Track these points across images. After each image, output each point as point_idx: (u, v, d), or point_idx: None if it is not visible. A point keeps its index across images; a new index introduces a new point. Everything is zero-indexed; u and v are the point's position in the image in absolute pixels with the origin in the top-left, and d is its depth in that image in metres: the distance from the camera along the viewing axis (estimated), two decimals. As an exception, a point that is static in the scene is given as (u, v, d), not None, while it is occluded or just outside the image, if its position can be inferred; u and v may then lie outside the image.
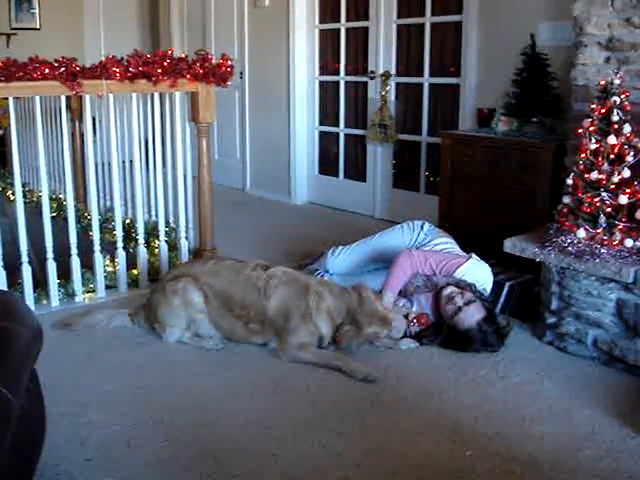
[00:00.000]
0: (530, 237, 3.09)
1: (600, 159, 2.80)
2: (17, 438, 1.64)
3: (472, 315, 3.02)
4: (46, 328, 1.98)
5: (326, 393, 2.65)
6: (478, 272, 3.25)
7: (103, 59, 3.41)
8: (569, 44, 3.48)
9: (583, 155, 2.85)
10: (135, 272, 3.77)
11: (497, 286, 3.36)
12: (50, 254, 3.45)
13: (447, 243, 3.50)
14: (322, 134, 6.05)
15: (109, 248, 3.78)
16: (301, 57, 5.92)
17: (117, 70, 3.37)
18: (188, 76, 3.57)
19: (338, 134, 5.87)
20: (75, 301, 3.55)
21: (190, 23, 7.16)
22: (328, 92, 5.93)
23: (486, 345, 3.00)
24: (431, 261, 3.24)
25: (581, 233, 2.83)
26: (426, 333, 3.11)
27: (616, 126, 2.77)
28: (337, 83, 5.79)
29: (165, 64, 3.48)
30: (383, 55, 5.28)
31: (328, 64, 5.88)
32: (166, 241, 3.88)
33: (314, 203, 6.09)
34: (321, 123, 6.02)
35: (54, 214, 4.55)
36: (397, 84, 5.27)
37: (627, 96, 2.81)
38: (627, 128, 2.78)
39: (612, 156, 2.78)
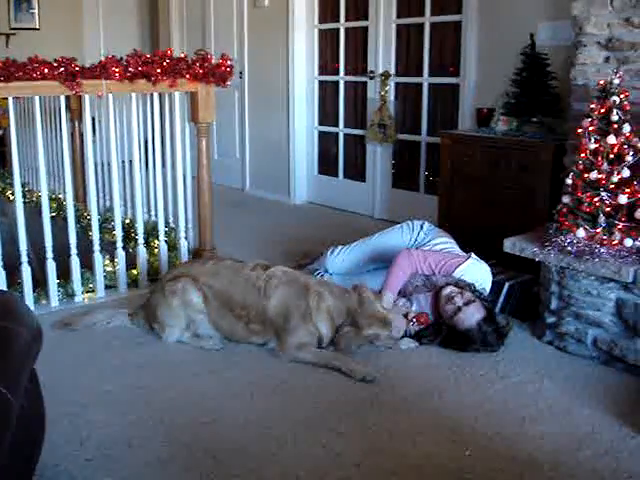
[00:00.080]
0: (530, 237, 3.09)
1: (600, 159, 2.80)
2: (17, 438, 1.64)
3: (472, 315, 3.02)
4: (46, 328, 1.98)
5: (326, 393, 2.65)
6: (477, 272, 3.25)
7: (102, 59, 3.41)
8: (569, 44, 3.48)
9: (583, 155, 2.85)
10: (135, 272, 3.77)
11: (497, 286, 3.36)
12: (50, 254, 3.45)
13: (447, 243, 3.50)
14: (321, 134, 6.05)
15: (109, 248, 3.78)
16: (300, 57, 5.92)
17: (116, 70, 3.37)
18: (188, 76, 3.57)
19: (337, 134, 5.87)
20: (75, 301, 3.55)
21: (190, 23, 7.16)
22: (327, 92, 5.94)
23: (486, 345, 3.00)
24: (430, 260, 3.24)
25: (581, 233, 2.83)
26: (426, 333, 3.11)
27: (615, 126, 2.77)
28: (336, 83, 5.80)
29: (164, 64, 3.48)
30: (382, 55, 5.28)
31: (327, 64, 5.89)
32: (166, 241, 3.88)
33: (313, 203, 6.09)
34: (320, 123, 6.02)
35: (54, 214, 4.54)
36: (396, 84, 5.27)
37: (626, 96, 2.81)
38: (626, 128, 2.78)
39: (611, 156, 2.78)
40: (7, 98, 3.32)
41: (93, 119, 4.44)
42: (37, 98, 3.41)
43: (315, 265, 3.84)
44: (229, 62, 3.66)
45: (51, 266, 3.45)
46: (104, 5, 8.14)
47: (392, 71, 5.24)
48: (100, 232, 3.73)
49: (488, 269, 3.31)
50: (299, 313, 2.93)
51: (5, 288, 3.35)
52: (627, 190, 2.76)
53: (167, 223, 4.08)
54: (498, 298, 3.36)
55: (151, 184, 4.11)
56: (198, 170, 3.86)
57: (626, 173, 2.76)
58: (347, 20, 5.59)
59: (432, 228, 3.64)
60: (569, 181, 2.90)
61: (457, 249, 3.48)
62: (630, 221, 2.79)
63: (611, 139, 2.77)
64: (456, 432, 2.38)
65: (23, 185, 4.54)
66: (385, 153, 5.44)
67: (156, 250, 3.88)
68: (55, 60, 3.26)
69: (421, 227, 3.62)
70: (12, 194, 4.29)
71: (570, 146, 3.27)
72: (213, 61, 3.65)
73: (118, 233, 3.72)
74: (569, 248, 2.85)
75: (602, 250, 2.79)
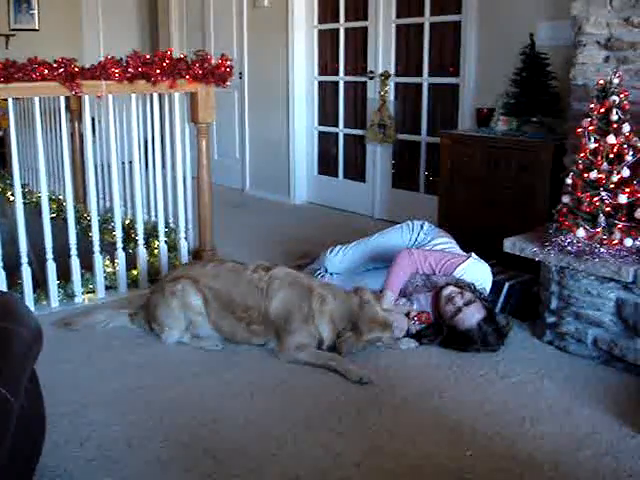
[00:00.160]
0: (529, 237, 3.09)
1: (599, 158, 2.80)
2: (17, 438, 1.64)
3: (472, 315, 3.02)
4: (46, 328, 1.98)
5: (326, 393, 2.65)
6: (478, 271, 3.25)
7: (102, 60, 3.41)
8: (568, 43, 3.48)
9: (582, 154, 2.85)
10: (135, 273, 3.77)
11: (497, 286, 3.36)
12: (50, 255, 3.45)
13: (447, 243, 3.50)
14: (321, 134, 6.05)
15: (109, 249, 3.78)
16: (300, 57, 5.92)
17: (116, 71, 3.38)
18: (187, 76, 3.57)
19: (337, 134, 5.87)
20: (75, 302, 3.55)
21: (189, 23, 7.16)
22: (327, 92, 5.94)
23: (486, 345, 3.00)
24: (431, 260, 3.24)
25: (580, 232, 2.83)
26: (426, 333, 3.11)
27: (615, 125, 2.77)
28: (336, 83, 5.80)
29: (164, 64, 3.48)
30: (382, 55, 5.28)
31: (327, 64, 5.89)
32: (166, 241, 3.88)
33: (313, 203, 6.09)
34: (320, 123, 6.02)
35: (54, 215, 4.55)
36: (396, 84, 5.27)
37: (626, 95, 2.81)
38: (626, 127, 2.77)
39: (611, 155, 2.78)
40: (7, 99, 3.32)
41: (93, 120, 4.44)
42: (37, 99, 3.41)
43: (315, 265, 3.84)
44: (229, 62, 3.67)
45: (51, 267, 3.45)
46: (104, 6, 8.14)
47: (392, 71, 5.24)
48: (100, 233, 3.73)
49: (488, 269, 3.31)
50: (301, 315, 2.93)
51: (5, 289, 3.35)
52: (627, 190, 2.75)
53: (167, 224, 4.08)
54: (498, 298, 3.36)
55: (151, 185, 4.12)
56: (198, 170, 3.86)
57: (626, 173, 2.76)
58: (347, 20, 5.59)
59: (432, 228, 3.64)
60: (569, 181, 2.90)
61: (457, 249, 3.48)
62: (630, 221, 2.78)
63: (611, 139, 2.76)
64: (456, 432, 2.38)
65: (23, 186, 4.55)
66: (385, 153, 5.44)
67: (156, 251, 3.88)
68: (55, 61, 3.27)
69: (421, 227, 3.62)
70: (12, 195, 4.29)
71: (570, 146, 3.27)
72: (213, 61, 3.65)
73: (118, 234, 3.72)
74: (569, 248, 2.85)
75: (602, 250, 2.78)
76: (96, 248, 3.61)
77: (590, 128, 2.82)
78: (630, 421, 2.43)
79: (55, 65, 3.25)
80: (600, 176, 2.78)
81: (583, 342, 2.95)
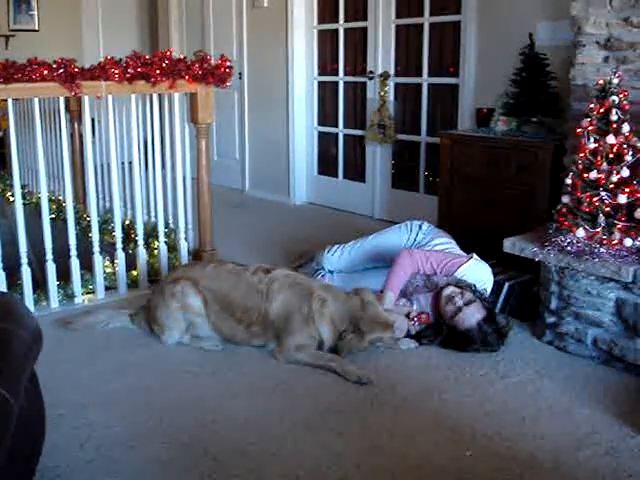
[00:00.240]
0: (529, 237, 3.09)
1: (599, 158, 2.80)
2: (16, 439, 1.64)
3: (472, 315, 3.02)
4: (45, 329, 1.98)
5: (326, 393, 2.65)
6: (479, 272, 3.25)
7: (102, 60, 3.41)
8: (568, 44, 3.48)
9: (582, 154, 2.85)
10: (134, 273, 3.77)
11: (497, 286, 3.36)
12: (49, 255, 3.44)
13: (446, 243, 3.50)
14: (321, 134, 6.05)
15: (108, 249, 3.78)
16: (300, 57, 5.92)
17: (116, 71, 3.38)
18: (187, 77, 3.57)
19: (337, 134, 5.87)
20: (74, 302, 3.54)
21: (189, 24, 7.16)
22: (327, 92, 5.94)
23: (486, 345, 3.00)
24: (432, 260, 3.24)
25: (580, 233, 2.83)
26: (426, 333, 3.11)
27: (615, 125, 2.77)
28: (336, 83, 5.80)
29: (164, 65, 3.48)
30: (382, 55, 5.28)
31: (327, 64, 5.89)
32: (165, 242, 3.88)
33: (313, 203, 6.09)
34: (320, 123, 6.02)
35: (53, 215, 4.54)
36: (396, 84, 5.27)
37: (626, 95, 2.81)
38: (626, 127, 2.78)
39: (611, 155, 2.78)
40: (7, 100, 3.32)
41: (93, 120, 4.44)
42: (36, 100, 3.41)
43: (314, 265, 3.84)
44: (228, 63, 3.67)
45: (51, 267, 3.45)
46: (103, 6, 8.14)
47: (391, 71, 5.24)
48: (100, 233, 3.73)
49: (489, 269, 3.31)
50: (301, 317, 2.92)
51: (5, 289, 3.35)
52: (626, 190, 2.75)
53: (167, 224, 4.08)
54: (498, 298, 3.36)
55: (151, 185, 4.11)
56: (198, 171, 3.86)
57: (625, 173, 2.76)
58: (346, 21, 5.59)
59: (431, 228, 3.64)
60: (569, 181, 2.90)
61: (457, 249, 3.48)
62: (630, 221, 2.78)
63: (610, 139, 2.77)
64: (456, 432, 2.38)
65: (23, 187, 4.55)
66: (385, 153, 5.44)
67: (156, 251, 3.88)
68: (54, 61, 3.27)
69: (420, 227, 3.62)
70: (12, 195, 4.29)
71: (570, 146, 3.27)
72: (212, 62, 3.65)
73: (118, 234, 3.72)
74: (569, 248, 2.85)
75: (602, 250, 2.79)
76: (96, 249, 3.61)
77: (590, 128, 2.82)
78: (630, 421, 2.43)
79: (55, 66, 3.25)
80: (600, 176, 2.78)
81: (583, 342, 2.95)
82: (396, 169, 5.43)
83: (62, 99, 3.51)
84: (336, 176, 5.93)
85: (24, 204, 3.69)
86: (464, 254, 3.38)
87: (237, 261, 3.28)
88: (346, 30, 5.61)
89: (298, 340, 2.91)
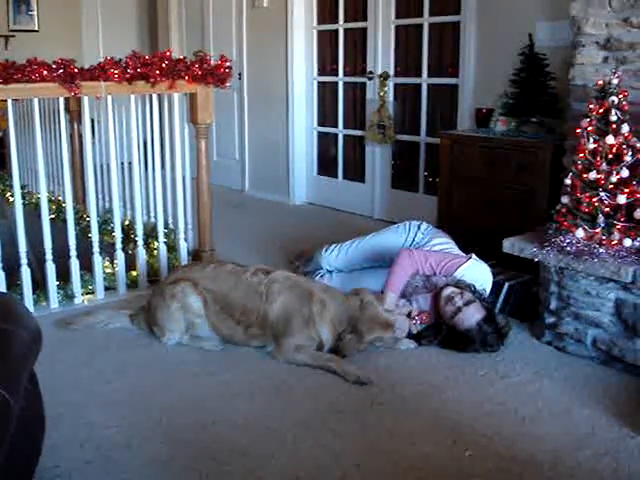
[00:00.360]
0: (529, 237, 3.09)
1: (598, 159, 2.80)
2: (16, 439, 1.64)
3: (472, 315, 3.02)
4: (45, 329, 1.97)
5: (326, 393, 2.65)
6: (478, 272, 3.25)
7: (101, 60, 3.41)
8: (567, 44, 3.48)
9: (581, 155, 2.85)
10: (134, 273, 3.77)
11: (496, 286, 3.36)
12: (49, 256, 3.44)
13: (445, 243, 3.50)
14: (321, 135, 6.05)
15: (108, 249, 3.78)
16: (299, 58, 5.93)
17: (115, 72, 3.38)
18: (187, 77, 3.57)
19: (337, 135, 5.87)
20: (74, 303, 3.54)
21: (188, 24, 7.16)
22: (327, 93, 5.94)
23: (486, 345, 3.00)
24: (431, 260, 3.24)
25: (580, 233, 2.83)
26: (426, 333, 3.11)
27: (614, 126, 2.77)
28: (336, 84, 5.80)
29: (163, 65, 3.48)
30: (381, 56, 5.28)
31: (326, 65, 5.89)
32: (165, 242, 3.88)
33: (313, 204, 6.09)
34: (320, 124, 6.02)
35: (53, 216, 4.54)
36: (395, 85, 5.27)
37: (625, 96, 2.81)
38: (625, 128, 2.78)
39: (610, 156, 2.78)
40: (6, 100, 3.32)
41: (92, 121, 4.43)
42: (36, 100, 3.41)
43: (313, 265, 3.84)
44: (228, 63, 3.67)
45: (50, 268, 3.45)
46: (103, 6, 8.14)
47: (391, 72, 5.24)
48: (99, 234, 3.73)
49: (489, 270, 3.31)
50: (301, 318, 2.92)
51: (4, 290, 3.35)
52: (626, 190, 2.75)
53: (166, 224, 4.08)
54: (498, 298, 3.36)
55: (150, 185, 4.11)
56: (197, 171, 3.86)
57: (625, 173, 2.76)
58: (346, 21, 5.59)
59: (430, 228, 3.64)
60: (568, 181, 2.90)
61: (456, 249, 3.48)
62: (629, 221, 2.78)
63: (610, 139, 2.77)
64: (456, 432, 2.38)
65: (22, 187, 4.54)
66: (384, 154, 5.45)
67: (155, 251, 3.88)
68: (54, 62, 3.26)
69: (418, 227, 3.61)
70: (12, 196, 4.29)
71: (569, 146, 3.27)
72: (212, 62, 3.65)
73: (117, 234, 3.72)
74: (568, 248, 2.85)
75: (601, 250, 2.79)
76: (95, 249, 3.61)
77: (589, 128, 2.82)
78: (630, 421, 2.43)
79: (54, 66, 3.25)
80: (599, 176, 2.78)
81: (582, 342, 2.95)
82: (396, 169, 5.43)
83: (62, 99, 3.51)
84: (336, 176, 5.93)
85: (24, 204, 3.70)
86: (463, 254, 3.38)
87: (237, 261, 3.28)
88: (346, 30, 5.62)
89: (297, 341, 2.91)
